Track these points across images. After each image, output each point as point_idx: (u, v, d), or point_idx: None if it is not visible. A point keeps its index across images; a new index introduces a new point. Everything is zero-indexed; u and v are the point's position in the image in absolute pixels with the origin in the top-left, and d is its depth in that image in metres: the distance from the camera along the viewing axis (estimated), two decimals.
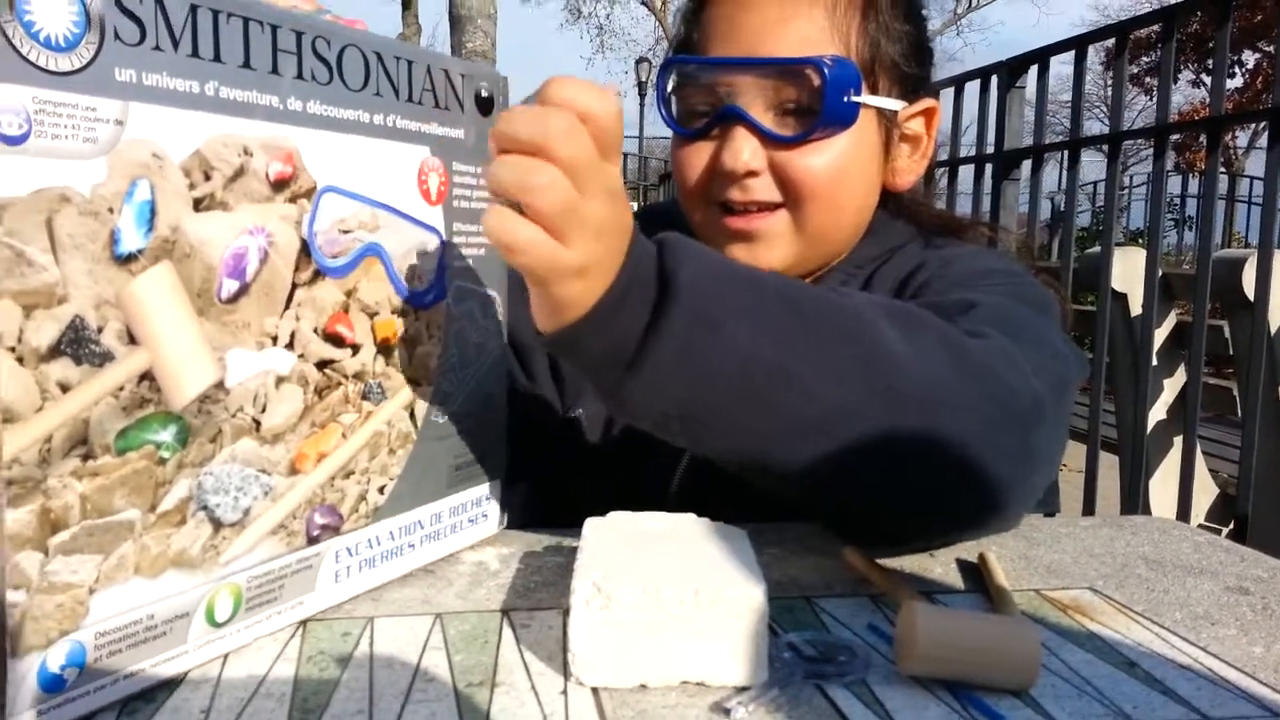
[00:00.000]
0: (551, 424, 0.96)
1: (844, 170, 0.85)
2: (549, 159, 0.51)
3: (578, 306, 0.56)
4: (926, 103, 0.91)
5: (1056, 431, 0.68)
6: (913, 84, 0.90)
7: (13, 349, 0.42)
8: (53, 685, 0.45)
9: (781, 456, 0.60)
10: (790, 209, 0.86)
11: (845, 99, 0.82)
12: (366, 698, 0.49)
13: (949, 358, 0.62)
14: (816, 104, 0.82)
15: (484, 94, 0.68)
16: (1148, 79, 17.22)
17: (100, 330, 0.45)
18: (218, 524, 0.52)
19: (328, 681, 0.51)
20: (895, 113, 0.88)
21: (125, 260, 0.46)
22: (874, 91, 0.86)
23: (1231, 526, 1.97)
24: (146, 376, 0.47)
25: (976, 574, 0.69)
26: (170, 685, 0.50)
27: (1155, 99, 2.07)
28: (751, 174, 0.84)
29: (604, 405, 0.62)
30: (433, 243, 0.65)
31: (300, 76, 0.55)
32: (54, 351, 0.44)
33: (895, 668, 0.53)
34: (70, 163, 0.44)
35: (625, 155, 9.92)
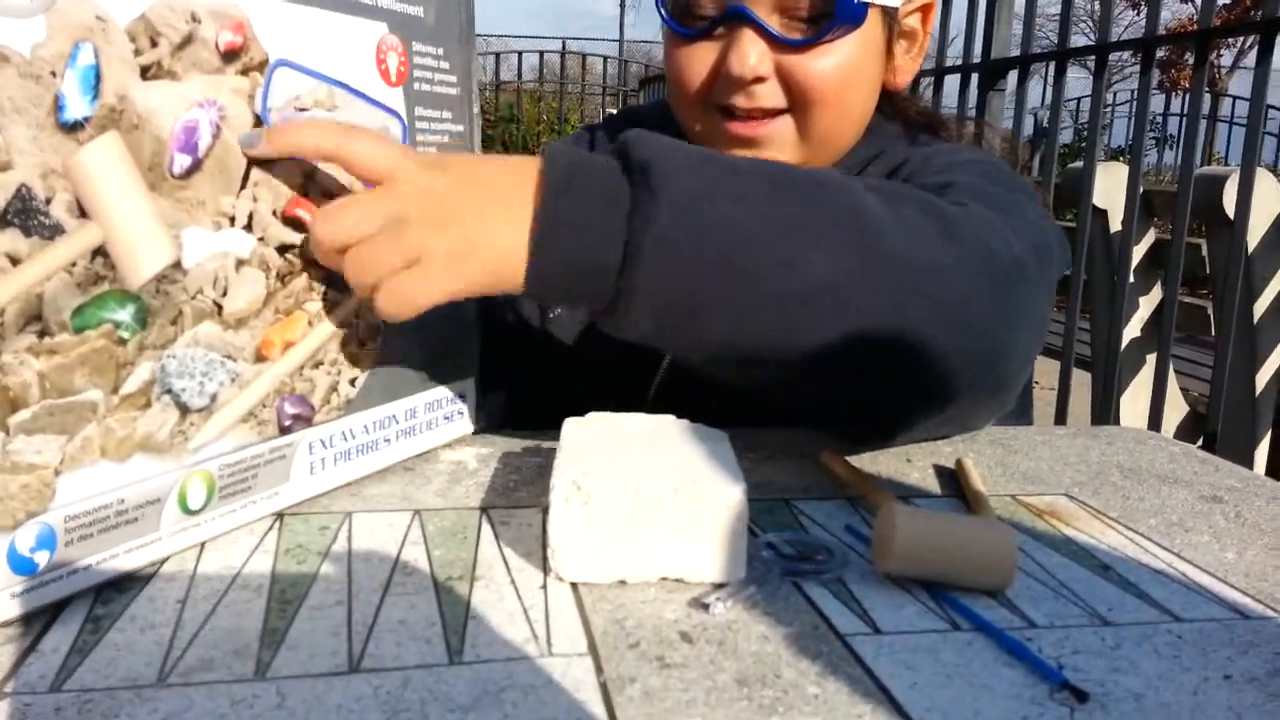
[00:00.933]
0: (525, 326, 0.94)
1: (852, 73, 0.83)
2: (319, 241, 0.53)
3: (502, 269, 0.54)
4: None
5: (1040, 292, 0.67)
6: None
7: None
8: (23, 567, 0.44)
9: (777, 338, 0.57)
10: (796, 114, 0.83)
11: (855, 0, 0.79)
12: (345, 590, 0.49)
13: (931, 223, 0.61)
14: (828, 5, 0.79)
15: None
16: None
17: (49, 201, 0.44)
18: (184, 409, 0.51)
19: (306, 574, 0.50)
20: (896, 9, 0.85)
21: (71, 128, 0.44)
22: None
23: (1200, 444, 2.00)
24: (100, 252, 0.46)
25: (954, 480, 0.69)
26: (145, 577, 0.49)
27: (1143, 14, 2.03)
28: (759, 80, 0.81)
29: (602, 327, 0.59)
30: (394, 127, 0.63)
31: None
32: (1, 221, 0.42)
33: (872, 568, 0.53)
34: (6, 20, 0.42)
35: (604, 59, 9.74)
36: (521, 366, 0.92)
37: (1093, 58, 2.22)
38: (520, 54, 9.12)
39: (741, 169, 0.59)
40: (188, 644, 0.43)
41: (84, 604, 0.47)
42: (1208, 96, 10.32)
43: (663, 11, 0.85)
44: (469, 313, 0.71)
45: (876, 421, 0.69)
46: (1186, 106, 1.99)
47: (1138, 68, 2.06)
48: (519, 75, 9.04)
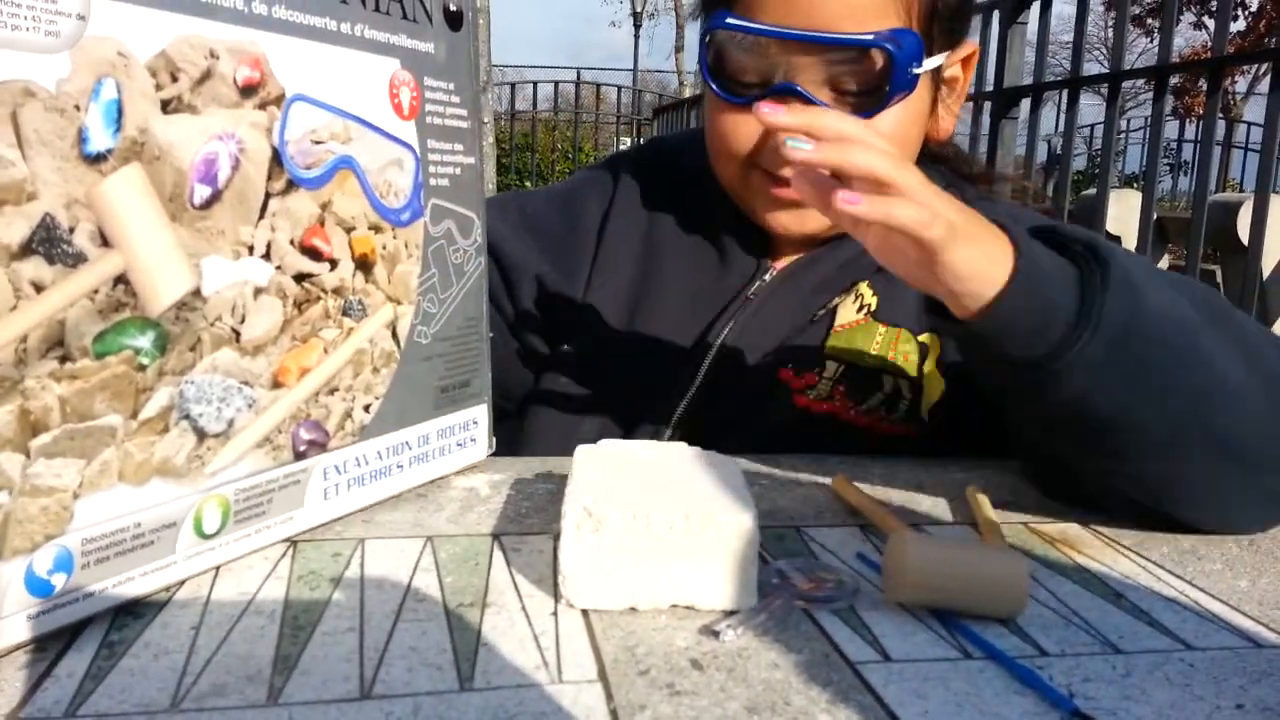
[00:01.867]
0: (538, 358, 0.95)
1: (899, 140, 0.82)
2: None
3: (985, 276, 0.58)
4: (968, 47, 0.86)
5: None
6: (959, 28, 0.85)
7: None
8: (41, 589, 0.45)
9: (1193, 422, 0.60)
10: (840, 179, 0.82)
11: (909, 73, 0.78)
12: (358, 616, 0.49)
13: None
14: (881, 83, 0.78)
15: (452, 8, 0.67)
16: (1149, 20, 17.01)
17: (72, 230, 0.45)
18: (202, 434, 0.52)
19: (319, 601, 0.51)
20: (942, 65, 0.84)
21: (94, 160, 0.46)
22: (930, 52, 0.80)
23: None
24: (122, 280, 0.47)
25: (965, 507, 0.69)
26: (159, 603, 0.50)
27: (1155, 40, 2.04)
28: None
29: (1021, 394, 0.63)
30: (408, 159, 0.64)
31: None
32: (26, 249, 0.43)
33: (883, 596, 0.53)
34: (32, 56, 0.43)
35: (619, 89, 9.83)
36: (532, 395, 0.93)
37: (1106, 85, 2.22)
38: (535, 84, 9.19)
39: (1158, 270, 0.65)
40: (201, 670, 0.44)
41: (99, 630, 0.47)
42: (1222, 123, 10.33)
43: (709, 77, 0.83)
44: (481, 341, 0.72)
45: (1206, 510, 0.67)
46: (1200, 133, 1.99)
47: (1151, 94, 2.07)
48: (534, 105, 9.12)
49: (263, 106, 0.54)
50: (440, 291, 0.67)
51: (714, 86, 0.82)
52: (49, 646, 0.45)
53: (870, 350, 0.85)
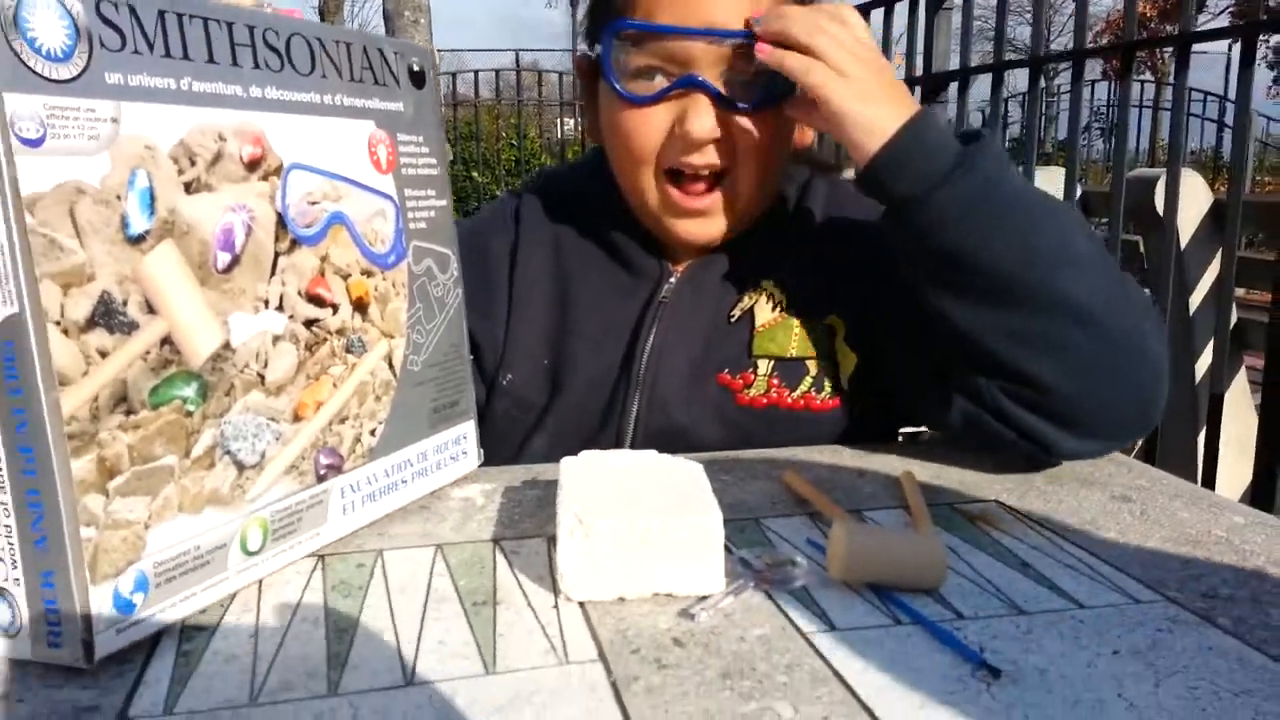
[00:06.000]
0: (489, 387, 1.00)
1: (784, 130, 0.92)
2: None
3: (880, 129, 0.78)
4: None
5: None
6: None
7: (58, 323, 0.50)
8: (126, 608, 0.53)
9: (1036, 277, 0.77)
10: (731, 173, 0.91)
11: None
12: (389, 617, 0.58)
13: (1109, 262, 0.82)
14: (774, 76, 0.85)
15: (415, 68, 0.75)
16: None
17: (125, 303, 0.53)
18: (240, 466, 0.60)
19: (354, 606, 0.60)
20: None
21: (136, 241, 0.54)
22: None
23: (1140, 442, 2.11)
24: (166, 341, 0.55)
25: (899, 492, 0.79)
26: (218, 615, 0.58)
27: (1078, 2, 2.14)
28: (713, 140, 0.88)
29: (906, 240, 0.80)
30: (389, 209, 0.72)
31: (257, 66, 0.61)
32: (90, 323, 0.51)
33: (829, 575, 0.63)
34: (80, 159, 0.51)
35: (560, 75, 9.82)
36: (487, 424, 0.98)
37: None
38: (476, 73, 9.16)
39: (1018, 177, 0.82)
40: (267, 670, 0.52)
41: (172, 641, 0.55)
42: (1153, 86, 10.54)
43: (614, 82, 0.90)
44: (464, 363, 0.81)
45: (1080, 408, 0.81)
46: (1116, 111, 2.11)
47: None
48: (475, 92, 9.11)
49: (265, 178, 0.62)
50: (425, 323, 0.76)
51: (620, 90, 0.90)
52: (133, 657, 0.54)
53: (791, 342, 0.96)
